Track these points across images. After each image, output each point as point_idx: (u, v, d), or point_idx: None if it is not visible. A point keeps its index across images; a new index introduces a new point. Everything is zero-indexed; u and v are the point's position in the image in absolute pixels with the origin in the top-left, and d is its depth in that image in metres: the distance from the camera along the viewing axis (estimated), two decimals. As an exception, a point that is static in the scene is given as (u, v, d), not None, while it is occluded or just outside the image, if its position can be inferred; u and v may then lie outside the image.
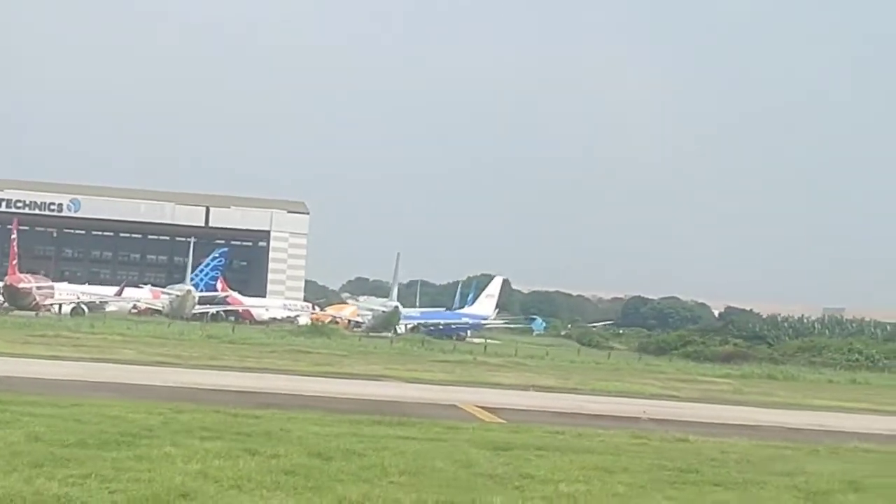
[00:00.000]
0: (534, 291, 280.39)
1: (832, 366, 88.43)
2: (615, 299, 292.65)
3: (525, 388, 50.01)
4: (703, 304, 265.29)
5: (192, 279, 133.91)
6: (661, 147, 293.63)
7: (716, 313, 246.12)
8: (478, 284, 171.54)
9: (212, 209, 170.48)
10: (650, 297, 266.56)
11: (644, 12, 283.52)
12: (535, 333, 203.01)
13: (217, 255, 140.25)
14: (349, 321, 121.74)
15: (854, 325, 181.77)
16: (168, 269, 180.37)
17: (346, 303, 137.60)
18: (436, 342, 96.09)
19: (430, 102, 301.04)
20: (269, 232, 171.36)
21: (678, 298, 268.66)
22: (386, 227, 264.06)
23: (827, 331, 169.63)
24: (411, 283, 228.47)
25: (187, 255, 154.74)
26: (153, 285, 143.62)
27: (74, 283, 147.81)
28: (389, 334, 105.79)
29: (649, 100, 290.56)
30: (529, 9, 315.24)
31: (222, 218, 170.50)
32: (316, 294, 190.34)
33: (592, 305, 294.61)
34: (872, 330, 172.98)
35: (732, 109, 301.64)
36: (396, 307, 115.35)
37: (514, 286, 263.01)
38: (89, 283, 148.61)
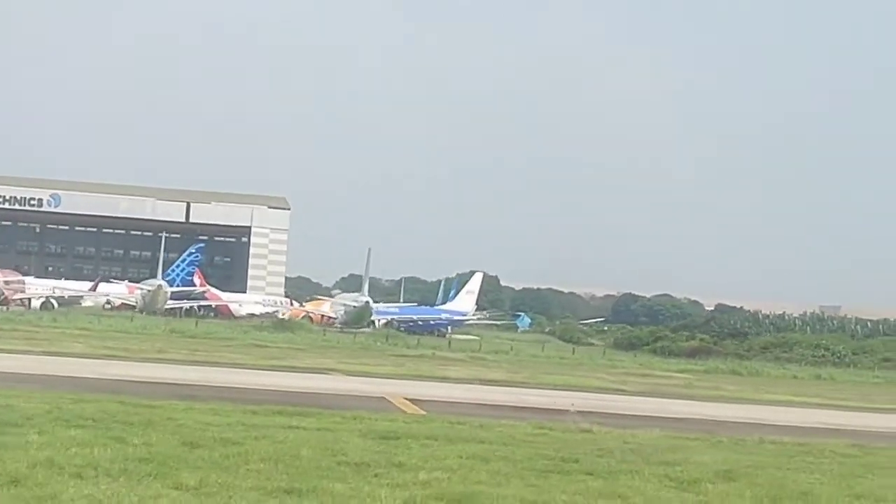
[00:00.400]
0: (525, 288, 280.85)
1: (798, 362, 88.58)
2: (608, 296, 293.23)
3: (470, 381, 50.28)
4: (695, 302, 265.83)
5: (168, 274, 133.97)
6: (659, 146, 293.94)
7: (708, 311, 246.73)
8: (461, 281, 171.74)
9: (192, 205, 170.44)
10: (643, 294, 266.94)
11: (642, 12, 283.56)
12: (520, 330, 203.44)
13: (193, 251, 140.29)
14: (322, 316, 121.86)
15: (835, 322, 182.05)
16: (151, 264, 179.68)
17: (322, 299, 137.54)
18: (401, 337, 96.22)
19: (425, 102, 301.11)
20: (249, 228, 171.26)
21: (671, 296, 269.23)
22: (382, 226, 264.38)
23: (808, 328, 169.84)
24: (403, 279, 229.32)
25: (170, 251, 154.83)
26: (131, 281, 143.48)
27: (59, 278, 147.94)
28: (367, 329, 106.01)
29: (645, 100, 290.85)
30: (527, 8, 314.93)
31: (203, 213, 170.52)
32: (309, 291, 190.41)
33: (584, 303, 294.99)
34: (853, 327, 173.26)
35: (730, 109, 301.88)
36: (367, 302, 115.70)
37: (507, 283, 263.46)
38: (73, 279, 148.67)
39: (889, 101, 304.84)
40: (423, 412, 33.26)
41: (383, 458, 20.17)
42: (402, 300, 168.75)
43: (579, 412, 37.20)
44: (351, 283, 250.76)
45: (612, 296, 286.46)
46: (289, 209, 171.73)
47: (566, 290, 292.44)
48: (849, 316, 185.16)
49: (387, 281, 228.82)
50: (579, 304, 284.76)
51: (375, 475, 18.29)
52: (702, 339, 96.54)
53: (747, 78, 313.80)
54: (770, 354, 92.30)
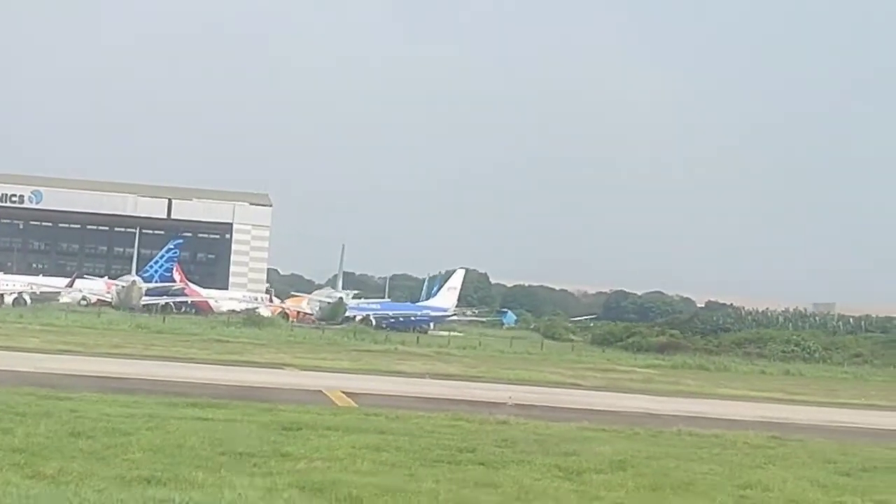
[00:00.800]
0: (517, 285, 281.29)
1: (770, 357, 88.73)
2: (600, 294, 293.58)
3: (421, 375, 50.28)
4: (687, 299, 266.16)
5: (146, 270, 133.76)
6: (654, 145, 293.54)
7: (699, 308, 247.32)
8: (444, 278, 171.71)
9: (174, 201, 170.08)
10: (636, 292, 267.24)
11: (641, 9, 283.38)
12: (505, 326, 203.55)
13: (172, 247, 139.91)
14: (298, 312, 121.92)
15: (817, 318, 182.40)
16: (132, 259, 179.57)
17: (300, 296, 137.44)
18: (370, 332, 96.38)
19: (420, 101, 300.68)
20: (231, 224, 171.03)
21: (663, 293, 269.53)
22: (376, 224, 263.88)
23: (790, 324, 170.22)
24: (394, 277, 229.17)
25: (152, 248, 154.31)
26: (112, 278, 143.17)
27: (43, 275, 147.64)
28: (338, 325, 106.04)
29: (639, 99, 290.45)
30: (518, 7, 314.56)
31: (184, 210, 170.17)
32: (302, 288, 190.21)
33: (576, 300, 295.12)
34: (835, 323, 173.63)
35: (725, 108, 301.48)
36: (340, 298, 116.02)
37: (500, 280, 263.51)
38: (57, 276, 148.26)
39: (885, 100, 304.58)
40: (354, 405, 33.35)
41: (271, 448, 20.26)
42: (387, 297, 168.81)
43: (517, 405, 37.56)
44: (343, 281, 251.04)
45: (605, 293, 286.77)
46: (270, 206, 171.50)
47: (558, 288, 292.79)
48: (843, 314, 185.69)
49: (379, 278, 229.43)
50: (571, 301, 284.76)
51: (254, 464, 18.38)
52: (672, 335, 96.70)
53: (743, 77, 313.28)
54: (742, 350, 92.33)
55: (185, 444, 19.64)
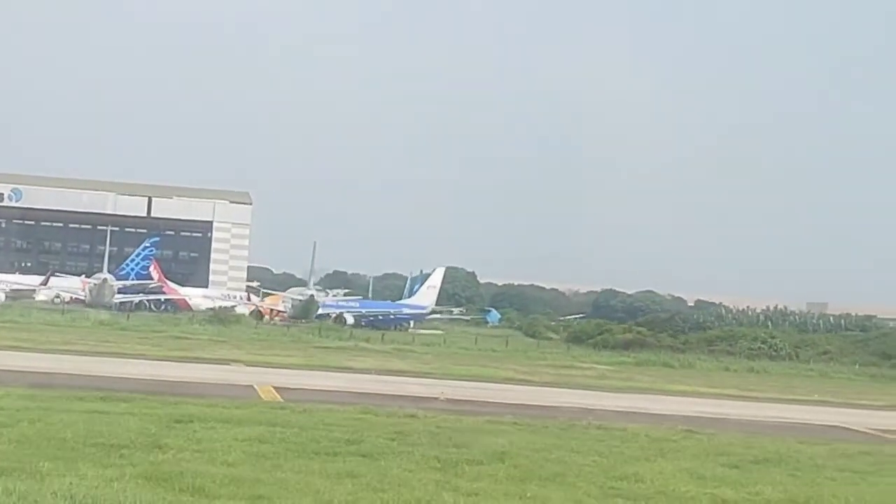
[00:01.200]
0: (507, 284, 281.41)
1: (737, 355, 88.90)
2: (591, 293, 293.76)
3: (367, 371, 50.46)
4: (679, 298, 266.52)
5: (122, 268, 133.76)
6: (648, 144, 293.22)
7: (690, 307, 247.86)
8: (425, 276, 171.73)
9: (154, 199, 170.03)
10: (628, 291, 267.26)
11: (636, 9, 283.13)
12: (489, 325, 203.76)
13: (148, 245, 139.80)
14: (271, 310, 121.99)
15: (797, 316, 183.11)
16: (117, 259, 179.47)
17: (277, 294, 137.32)
18: (337, 329, 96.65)
19: (411, 99, 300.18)
20: (211, 222, 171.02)
21: (654, 292, 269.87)
22: (372, 225, 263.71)
23: (769, 322, 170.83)
24: (385, 276, 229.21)
25: (134, 246, 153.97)
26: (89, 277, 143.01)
27: (25, 274, 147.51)
28: (316, 322, 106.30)
29: (632, 98, 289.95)
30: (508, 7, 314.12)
31: (164, 208, 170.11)
32: (293, 287, 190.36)
33: (566, 299, 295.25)
34: (814, 321, 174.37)
35: (718, 107, 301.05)
36: (312, 296, 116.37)
37: (491, 279, 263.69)
38: (39, 275, 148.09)
39: (881, 98, 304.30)
40: (278, 399, 33.46)
41: (149, 440, 20.31)
42: (370, 295, 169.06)
43: (449, 400, 37.76)
44: (335, 280, 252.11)
45: (596, 292, 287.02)
46: (250, 204, 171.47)
47: (548, 287, 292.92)
48: (836, 313, 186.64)
49: (371, 277, 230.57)
50: (561, 300, 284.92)
51: (120, 455, 18.43)
52: (639, 333, 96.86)
53: (736, 76, 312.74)
54: (711, 348, 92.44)
55: (57, 436, 19.69)
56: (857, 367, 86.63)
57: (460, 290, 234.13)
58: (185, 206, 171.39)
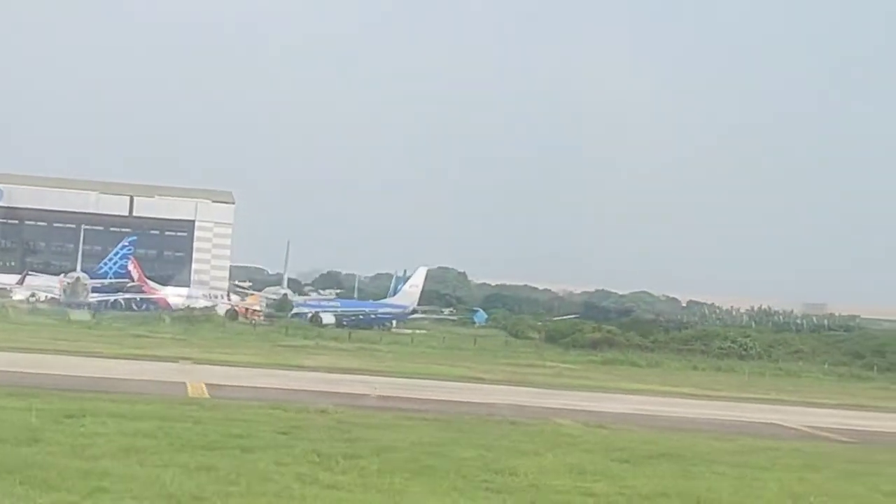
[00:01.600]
0: (500, 284, 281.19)
1: (708, 354, 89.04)
2: (585, 293, 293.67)
3: (315, 369, 50.61)
4: (673, 299, 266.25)
5: (100, 267, 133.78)
6: (644, 144, 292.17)
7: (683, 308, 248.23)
8: (408, 276, 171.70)
9: (136, 198, 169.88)
10: (622, 291, 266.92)
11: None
12: (476, 325, 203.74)
13: (126, 244, 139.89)
14: (247, 309, 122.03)
15: (781, 317, 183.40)
16: (101, 258, 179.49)
17: (257, 294, 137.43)
18: (305, 328, 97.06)
19: (409, 101, 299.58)
20: (193, 222, 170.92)
21: (649, 293, 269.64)
22: (369, 224, 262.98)
23: (753, 322, 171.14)
24: (378, 276, 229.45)
25: (116, 245, 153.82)
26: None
27: (10, 273, 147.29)
28: (264, 323, 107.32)
29: (627, 98, 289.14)
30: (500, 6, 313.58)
31: (146, 208, 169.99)
32: (289, 288, 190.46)
33: (560, 299, 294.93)
34: (798, 321, 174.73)
35: (714, 107, 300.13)
36: (285, 295, 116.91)
37: (484, 280, 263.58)
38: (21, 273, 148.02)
39: (880, 99, 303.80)
40: (205, 396, 33.55)
41: (28, 434, 20.35)
42: (356, 295, 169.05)
43: (381, 397, 37.87)
44: (328, 281, 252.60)
45: (589, 292, 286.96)
46: (233, 203, 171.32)
47: (541, 287, 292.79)
48: (835, 313, 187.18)
49: (365, 277, 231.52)
50: (555, 300, 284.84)
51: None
52: (609, 332, 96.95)
53: (731, 77, 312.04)
54: (685, 346, 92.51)
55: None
56: (826, 366, 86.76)
57: (451, 291, 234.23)
58: (167, 206, 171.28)
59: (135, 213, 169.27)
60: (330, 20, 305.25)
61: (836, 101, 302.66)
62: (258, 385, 39.07)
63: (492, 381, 52.10)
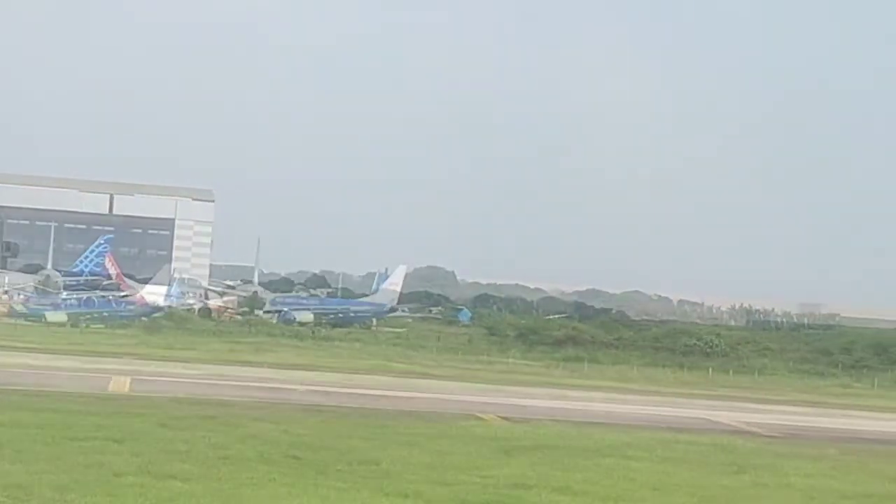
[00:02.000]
0: (491, 283, 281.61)
1: (672, 351, 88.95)
2: (577, 293, 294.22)
3: (260, 365, 50.87)
4: (665, 298, 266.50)
5: (76, 265, 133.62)
6: (640, 144, 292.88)
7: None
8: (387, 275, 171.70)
9: (116, 197, 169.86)
10: (613, 291, 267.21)
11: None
12: (461, 324, 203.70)
13: (101, 242, 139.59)
14: (219, 307, 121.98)
15: (761, 315, 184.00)
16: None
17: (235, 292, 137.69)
18: (270, 325, 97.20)
19: (408, 101, 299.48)
20: (173, 220, 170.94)
21: (641, 292, 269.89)
22: (365, 225, 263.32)
23: (732, 321, 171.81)
24: (368, 275, 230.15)
25: (94, 242, 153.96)
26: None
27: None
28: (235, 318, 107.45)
29: (623, 98, 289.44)
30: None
31: (126, 206, 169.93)
32: (281, 288, 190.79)
33: (550, 298, 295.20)
34: (778, 320, 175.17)
35: (712, 107, 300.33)
36: (255, 293, 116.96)
37: (474, 279, 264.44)
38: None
39: (880, 100, 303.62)
40: (124, 392, 33.80)
41: None
42: (339, 294, 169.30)
43: (309, 390, 38.08)
44: (320, 280, 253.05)
45: (581, 292, 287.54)
46: (213, 201, 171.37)
47: (532, 286, 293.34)
48: (832, 314, 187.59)
49: (358, 276, 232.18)
50: (546, 300, 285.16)
51: None
52: (574, 329, 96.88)
53: (728, 77, 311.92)
54: (654, 344, 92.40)
55: None
56: (790, 363, 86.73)
57: (440, 290, 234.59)
58: (146, 204, 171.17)
59: (115, 212, 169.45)
60: (329, 21, 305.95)
61: (836, 103, 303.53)
62: (185, 379, 39.28)
63: (437, 377, 52.20)
